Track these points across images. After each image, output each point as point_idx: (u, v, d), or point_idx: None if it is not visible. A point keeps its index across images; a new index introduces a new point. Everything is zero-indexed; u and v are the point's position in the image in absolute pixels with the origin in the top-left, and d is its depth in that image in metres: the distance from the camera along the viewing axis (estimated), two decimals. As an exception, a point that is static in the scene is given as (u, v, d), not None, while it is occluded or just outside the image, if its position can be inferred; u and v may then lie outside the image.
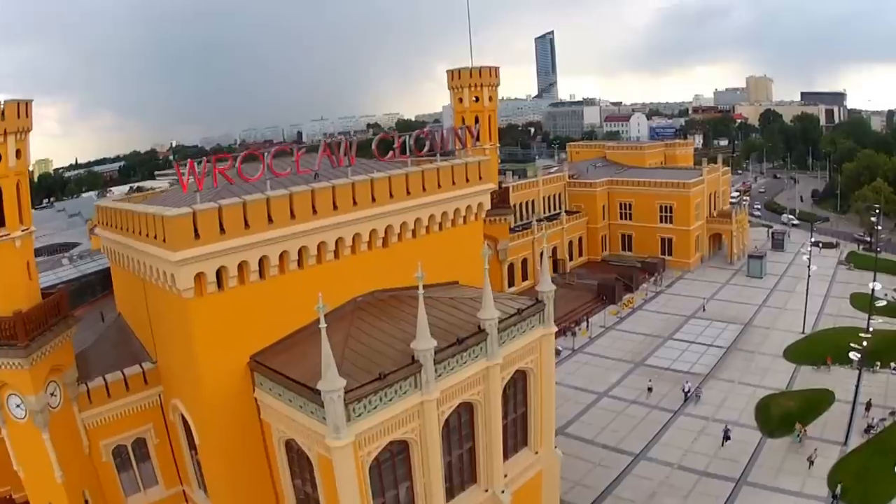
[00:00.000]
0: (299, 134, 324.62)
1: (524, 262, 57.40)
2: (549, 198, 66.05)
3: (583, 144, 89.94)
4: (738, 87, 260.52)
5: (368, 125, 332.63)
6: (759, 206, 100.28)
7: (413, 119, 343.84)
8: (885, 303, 40.07)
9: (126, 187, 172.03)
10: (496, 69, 30.43)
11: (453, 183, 22.61)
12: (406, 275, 21.06)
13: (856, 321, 47.18)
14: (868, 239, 58.15)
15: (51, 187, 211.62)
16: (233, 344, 18.22)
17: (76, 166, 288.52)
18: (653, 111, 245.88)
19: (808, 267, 47.94)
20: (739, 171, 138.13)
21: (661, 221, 65.09)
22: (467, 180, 23.01)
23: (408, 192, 21.39)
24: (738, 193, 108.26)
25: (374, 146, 22.59)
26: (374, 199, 20.63)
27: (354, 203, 20.14)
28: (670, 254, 64.85)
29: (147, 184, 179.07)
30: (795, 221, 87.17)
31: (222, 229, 17.53)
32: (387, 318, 20.36)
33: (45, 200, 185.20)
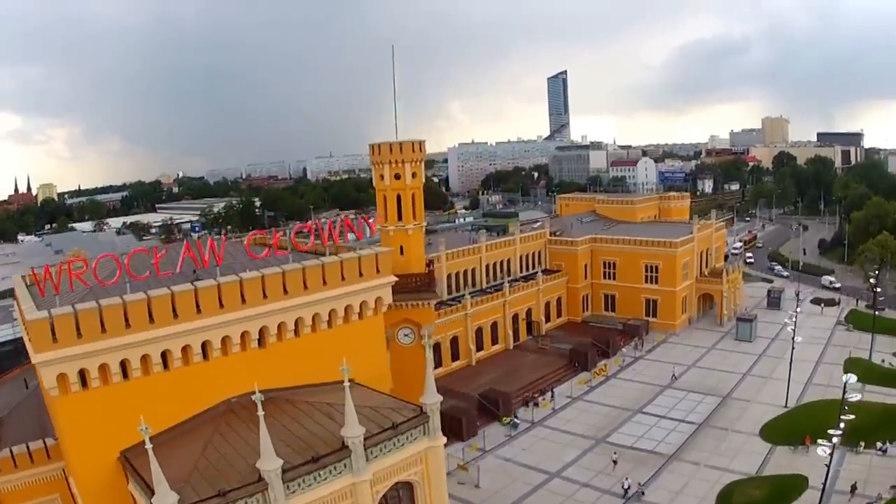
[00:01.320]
0: (304, 170, 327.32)
1: (454, 340, 54.81)
2: (527, 256, 65.09)
3: (573, 197, 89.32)
4: (754, 127, 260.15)
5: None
6: (751, 258, 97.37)
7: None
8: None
9: (121, 220, 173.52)
10: (420, 143, 29.64)
11: (343, 279, 21.81)
12: (290, 374, 20.66)
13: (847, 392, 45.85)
14: (876, 289, 55.74)
15: (53, 213, 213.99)
16: (102, 439, 18.37)
17: (80, 192, 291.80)
18: (667, 153, 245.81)
19: (793, 335, 45.99)
20: (747, 218, 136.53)
21: (647, 282, 63.81)
22: (361, 275, 22.19)
23: (285, 291, 20.63)
24: (741, 244, 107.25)
25: (246, 243, 21.94)
26: (243, 301, 20.09)
27: (221, 305, 19.78)
28: (655, 315, 63.46)
29: (146, 217, 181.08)
30: (785, 274, 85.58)
31: (79, 333, 17.95)
32: (255, 423, 19.35)
33: (48, 226, 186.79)
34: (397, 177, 28.71)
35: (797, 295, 59.04)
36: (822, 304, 69.20)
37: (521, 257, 64.08)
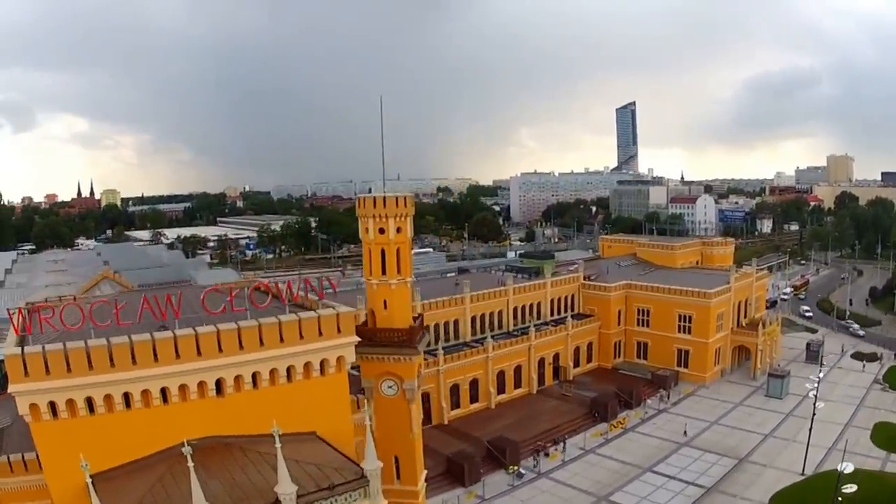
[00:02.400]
0: (369, 191, 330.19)
1: (473, 382, 54.70)
2: (559, 300, 64.73)
3: (615, 239, 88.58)
4: (819, 165, 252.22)
5: (439, 188, 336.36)
6: (808, 311, 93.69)
7: (490, 184, 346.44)
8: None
9: (178, 232, 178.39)
10: (406, 198, 29.96)
11: (301, 337, 22.50)
12: (249, 423, 21.64)
13: (870, 460, 44.00)
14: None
15: (115, 219, 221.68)
16: (70, 463, 19.29)
17: (143, 200, 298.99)
18: (731, 189, 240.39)
19: (815, 400, 44.21)
20: (802, 261, 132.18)
21: (680, 331, 62.61)
22: (320, 334, 22.83)
23: (241, 346, 21.53)
24: (791, 290, 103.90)
25: (201, 299, 22.88)
26: (199, 353, 21.13)
27: (177, 356, 20.97)
28: (686, 366, 62.17)
29: (204, 230, 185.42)
30: (861, 333, 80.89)
31: (47, 370, 19.74)
32: (204, 468, 20.27)
33: (108, 232, 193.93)
34: (381, 231, 29.16)
35: (817, 352, 56.83)
36: (864, 360, 66.59)
37: (552, 300, 63.79)
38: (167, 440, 20.79)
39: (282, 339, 22.02)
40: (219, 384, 21.66)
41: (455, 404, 52.75)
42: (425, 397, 49.81)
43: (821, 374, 46.81)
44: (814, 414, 44.57)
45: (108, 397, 20.43)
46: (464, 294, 55.54)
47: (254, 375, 22.01)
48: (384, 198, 29.60)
